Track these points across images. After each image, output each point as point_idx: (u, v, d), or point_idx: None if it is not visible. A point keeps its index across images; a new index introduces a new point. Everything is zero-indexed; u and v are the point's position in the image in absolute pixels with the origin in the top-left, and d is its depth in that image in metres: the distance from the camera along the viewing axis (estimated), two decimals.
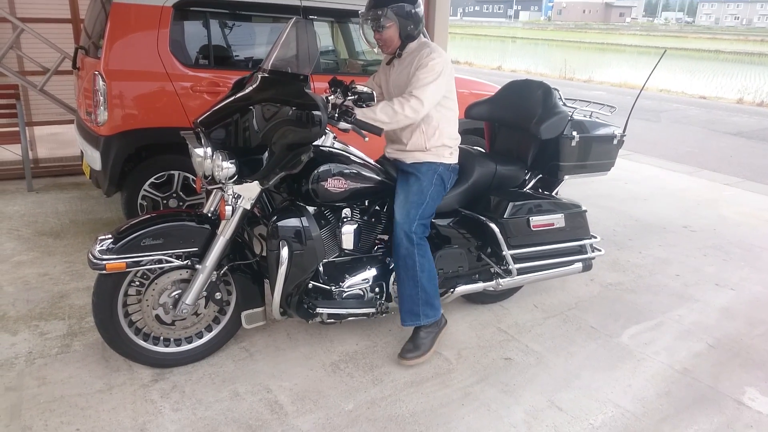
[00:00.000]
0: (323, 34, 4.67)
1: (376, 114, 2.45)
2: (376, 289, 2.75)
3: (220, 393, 2.43)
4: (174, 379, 2.50)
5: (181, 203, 3.87)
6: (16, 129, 4.85)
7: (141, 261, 2.34)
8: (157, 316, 2.51)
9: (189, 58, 3.74)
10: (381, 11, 2.56)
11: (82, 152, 4.14)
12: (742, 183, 6.36)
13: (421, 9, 2.67)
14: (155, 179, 3.77)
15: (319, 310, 2.59)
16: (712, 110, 12.23)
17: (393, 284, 2.77)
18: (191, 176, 3.84)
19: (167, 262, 2.41)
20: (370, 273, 2.72)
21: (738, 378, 2.72)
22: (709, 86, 16.47)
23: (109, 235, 2.34)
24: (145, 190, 3.75)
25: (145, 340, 2.52)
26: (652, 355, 2.87)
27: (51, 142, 6.11)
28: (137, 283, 2.48)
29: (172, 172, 3.79)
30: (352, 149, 2.70)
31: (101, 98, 3.51)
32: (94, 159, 3.68)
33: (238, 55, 4.02)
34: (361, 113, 2.41)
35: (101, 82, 3.49)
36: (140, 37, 3.57)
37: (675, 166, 7.00)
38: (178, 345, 2.60)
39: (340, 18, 4.54)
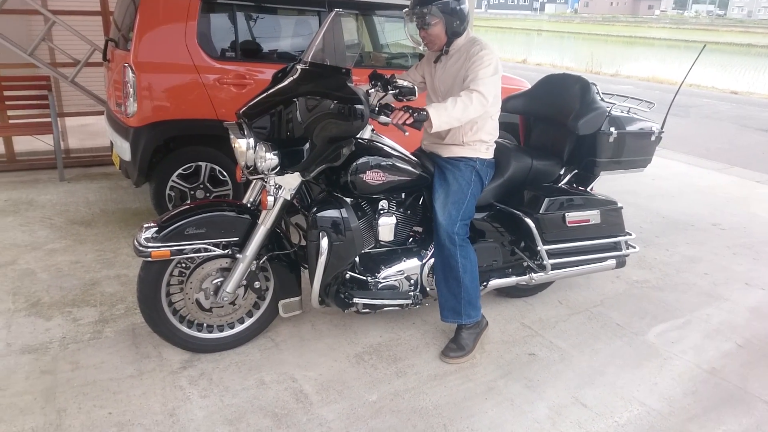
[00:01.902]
0: (347, 27, 4.68)
1: (448, 110, 2.41)
2: (411, 281, 2.77)
3: (247, 381, 2.48)
4: (202, 367, 2.55)
5: (208, 194, 3.92)
6: (48, 120, 4.96)
7: (184, 249, 2.41)
8: (198, 302, 2.57)
9: (216, 50, 3.78)
10: (426, 9, 2.55)
11: (111, 143, 4.23)
12: None
13: (466, 5, 2.64)
14: (183, 170, 3.83)
15: (355, 300, 2.63)
16: (744, 105, 11.94)
17: (428, 276, 2.79)
18: (218, 168, 3.90)
19: (209, 251, 2.47)
20: (405, 265, 2.74)
21: (767, 379, 2.67)
22: (740, 81, 16.07)
23: (154, 224, 2.40)
24: (173, 181, 3.82)
25: (186, 326, 2.59)
26: (679, 354, 2.83)
27: (81, 133, 6.23)
28: (179, 271, 2.54)
29: (199, 163, 3.85)
30: (389, 142, 2.72)
31: (131, 90, 3.57)
32: (123, 150, 3.75)
33: (264, 48, 4.04)
34: (434, 111, 2.38)
35: (131, 74, 3.55)
36: (168, 30, 3.62)
37: (704, 163, 6.87)
38: (220, 331, 2.66)
39: (365, 10, 4.55)
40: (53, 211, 4.31)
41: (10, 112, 5.22)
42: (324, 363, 2.63)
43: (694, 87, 14.51)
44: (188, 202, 3.76)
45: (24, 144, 5.45)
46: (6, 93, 5.07)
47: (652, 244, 4.20)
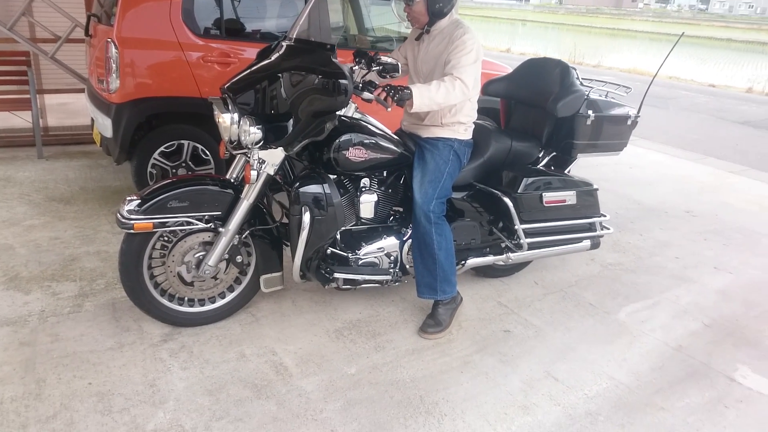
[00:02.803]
0: (333, 8, 4.67)
1: (431, 93, 2.46)
2: (391, 258, 2.82)
3: (227, 354, 2.51)
4: (182, 340, 2.58)
5: (189, 173, 3.92)
6: (27, 96, 4.89)
7: (167, 222, 2.43)
8: (179, 276, 2.59)
9: (201, 28, 3.76)
10: None
11: (92, 120, 4.19)
12: (746, 171, 6.37)
13: None
14: (165, 148, 3.81)
15: (336, 275, 2.68)
16: (721, 98, 12.16)
17: (407, 254, 2.84)
18: (201, 146, 3.90)
19: (192, 224, 2.49)
20: (385, 243, 2.80)
21: (731, 356, 2.79)
22: (719, 75, 16.32)
23: (137, 197, 2.42)
24: (154, 158, 3.80)
25: (168, 300, 2.61)
26: (648, 332, 2.93)
27: (60, 112, 6.14)
28: (161, 244, 2.56)
29: (182, 141, 3.84)
30: (373, 120, 2.76)
31: (113, 65, 3.54)
32: (105, 126, 3.73)
33: (249, 27, 4.03)
34: (417, 91, 2.43)
35: (114, 50, 3.52)
36: (153, 6, 3.59)
37: (681, 153, 7.01)
38: (201, 305, 2.69)
39: None
40: (32, 188, 4.27)
41: None
42: (304, 337, 2.68)
43: (674, 79, 14.72)
44: (172, 176, 3.76)
45: (1, 121, 5.36)
46: None
47: (626, 229, 4.30)
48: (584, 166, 5.32)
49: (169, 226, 2.46)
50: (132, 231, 2.38)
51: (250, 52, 3.82)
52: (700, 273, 3.67)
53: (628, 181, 5.56)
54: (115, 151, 3.73)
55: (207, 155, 3.92)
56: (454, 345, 2.71)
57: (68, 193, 4.20)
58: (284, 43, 2.48)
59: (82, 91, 5.14)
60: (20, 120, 5.24)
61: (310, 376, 2.41)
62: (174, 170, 3.87)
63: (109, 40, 3.54)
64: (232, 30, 3.90)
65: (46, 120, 5.56)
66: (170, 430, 2.06)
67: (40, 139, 4.94)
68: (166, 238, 2.56)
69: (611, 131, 3.28)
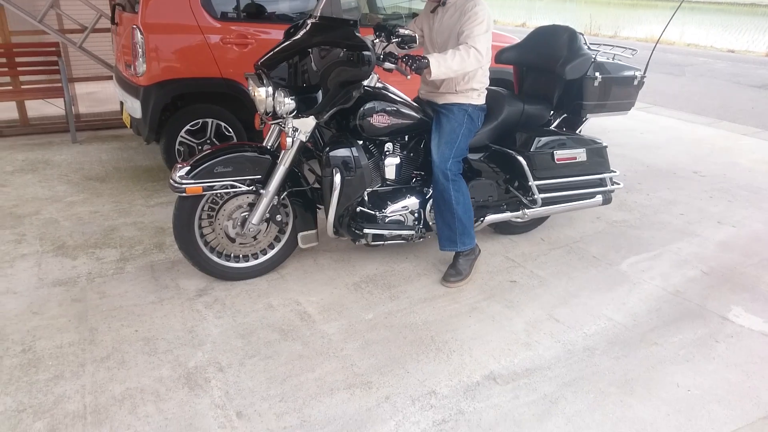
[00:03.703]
0: None
1: (448, 61, 2.66)
2: (415, 216, 3.07)
3: (256, 305, 2.77)
4: (215, 294, 2.85)
5: (231, 142, 4.16)
6: (59, 85, 5.19)
7: (214, 186, 2.70)
8: (226, 234, 2.88)
9: (218, 12, 3.98)
10: None
11: (121, 104, 4.47)
12: (760, 133, 6.40)
13: None
14: (190, 126, 4.08)
15: (365, 231, 2.94)
16: (739, 64, 12.01)
17: (429, 212, 3.09)
18: (223, 123, 4.14)
19: (236, 187, 2.76)
20: (409, 201, 3.04)
21: (726, 299, 2.96)
22: (740, 40, 16.04)
23: (186, 164, 2.69)
24: (181, 136, 4.07)
25: (216, 256, 2.90)
26: (648, 280, 3.11)
27: (89, 100, 6.46)
28: (209, 206, 2.85)
29: (206, 119, 4.10)
30: (393, 89, 3.00)
31: (140, 50, 3.80)
32: (134, 108, 4.00)
33: (265, 9, 4.24)
34: (434, 60, 2.63)
35: (139, 35, 3.77)
36: None
37: (694, 118, 7.05)
38: (246, 261, 2.98)
39: None
40: (69, 169, 4.58)
41: (22, 78, 5.44)
42: (325, 290, 2.93)
43: (692, 47, 14.55)
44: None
45: (35, 110, 5.69)
46: (18, 59, 5.30)
47: (633, 190, 4.45)
48: (597, 132, 5.45)
49: (216, 190, 2.73)
50: (184, 194, 2.66)
51: (268, 33, 4.05)
52: (703, 228, 3.81)
53: (638, 146, 5.66)
54: (144, 131, 4.00)
55: (230, 132, 4.17)
56: (463, 294, 2.93)
57: (103, 173, 4.50)
58: (309, 21, 2.71)
59: (110, 78, 5.43)
60: (54, 108, 5.56)
61: (331, 322, 2.66)
62: (200, 147, 4.13)
63: (134, 26, 3.80)
64: (249, 12, 4.12)
65: (77, 107, 5.87)
66: (209, 366, 2.33)
67: (73, 124, 5.24)
68: (213, 201, 2.84)
69: (618, 92, 3.44)
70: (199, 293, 2.86)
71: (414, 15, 4.93)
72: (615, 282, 3.09)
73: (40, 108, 5.69)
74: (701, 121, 6.91)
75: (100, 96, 6.60)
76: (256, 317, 2.68)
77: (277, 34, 4.09)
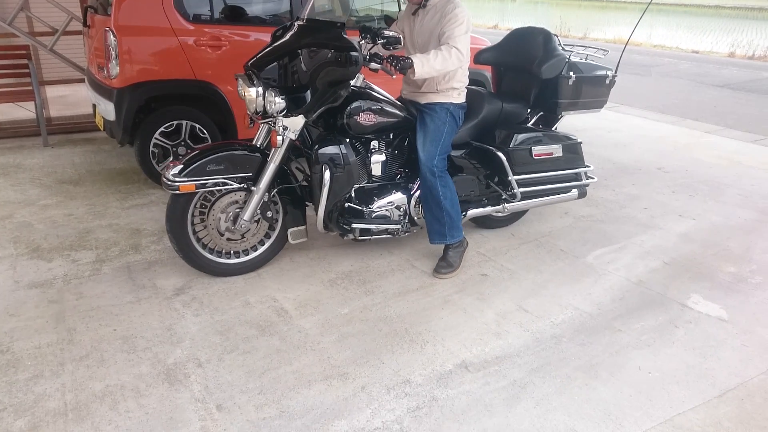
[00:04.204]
0: None
1: (430, 61, 2.76)
2: (400, 211, 3.17)
3: (233, 302, 2.82)
4: (193, 293, 2.89)
5: (189, 150, 4.20)
6: (30, 88, 5.14)
7: (207, 183, 2.76)
8: (218, 230, 2.94)
9: (191, 14, 4.01)
10: None
11: (94, 107, 4.46)
12: (721, 131, 6.65)
13: None
14: (165, 128, 4.09)
15: (353, 225, 3.04)
16: (703, 64, 12.40)
17: (414, 207, 3.20)
18: (198, 125, 4.17)
19: (228, 184, 2.82)
20: (394, 197, 3.15)
21: (686, 287, 3.10)
22: (704, 41, 16.54)
23: (179, 163, 2.74)
24: (155, 138, 4.09)
25: (209, 253, 2.96)
26: (613, 271, 3.25)
27: (59, 103, 6.39)
28: (201, 203, 2.90)
29: (180, 121, 4.12)
30: (378, 89, 3.10)
31: (113, 53, 3.81)
32: (108, 111, 4.00)
33: (238, 11, 4.28)
34: (418, 60, 2.73)
35: (112, 38, 3.78)
36: None
37: (658, 117, 7.29)
38: (237, 257, 3.03)
39: None
40: (41, 172, 4.55)
41: None
42: (301, 287, 2.99)
43: (659, 48, 14.95)
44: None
45: (5, 114, 5.63)
46: None
47: (600, 186, 4.60)
48: (568, 130, 5.60)
49: (208, 187, 2.78)
50: (178, 192, 2.71)
51: (240, 35, 4.10)
52: (665, 221, 3.98)
53: (605, 144, 5.85)
54: (118, 133, 4.00)
55: (204, 133, 4.20)
56: (436, 288, 3.02)
57: (76, 176, 4.49)
58: (297, 24, 2.79)
59: (81, 81, 5.40)
60: (24, 111, 5.51)
61: (307, 317, 2.72)
62: (174, 149, 4.15)
63: (107, 29, 3.81)
64: (223, 14, 4.16)
65: (48, 110, 5.81)
66: (188, 362, 2.38)
67: (44, 128, 5.20)
68: (205, 198, 2.89)
69: (591, 90, 3.60)
70: (176, 292, 2.89)
71: (386, 17, 5.04)
72: (581, 273, 3.21)
73: (10, 111, 5.63)
74: (666, 119, 7.14)
75: (72, 99, 6.54)
76: (234, 314, 2.73)
77: (251, 36, 4.16)
